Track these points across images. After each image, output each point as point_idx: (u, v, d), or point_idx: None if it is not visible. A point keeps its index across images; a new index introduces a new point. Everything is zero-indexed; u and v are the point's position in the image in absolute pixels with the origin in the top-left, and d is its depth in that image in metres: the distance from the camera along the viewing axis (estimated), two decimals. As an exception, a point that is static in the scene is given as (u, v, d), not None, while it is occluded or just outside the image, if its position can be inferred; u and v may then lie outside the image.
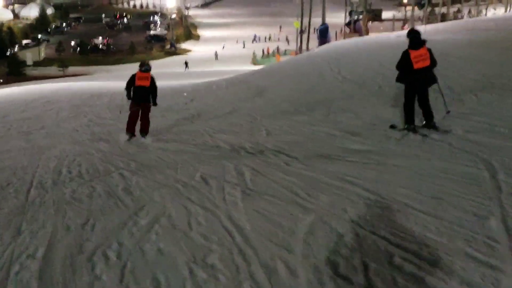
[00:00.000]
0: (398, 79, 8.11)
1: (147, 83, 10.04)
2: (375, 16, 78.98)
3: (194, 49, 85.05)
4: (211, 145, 8.94)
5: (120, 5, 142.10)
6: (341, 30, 61.65)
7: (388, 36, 22.23)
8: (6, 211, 5.79)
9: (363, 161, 6.56)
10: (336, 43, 26.15)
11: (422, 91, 7.88)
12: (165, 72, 41.10)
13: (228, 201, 5.33)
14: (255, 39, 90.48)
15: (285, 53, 70.08)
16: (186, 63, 59.03)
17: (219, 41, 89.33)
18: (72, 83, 30.04)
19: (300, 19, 54.91)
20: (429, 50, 7.74)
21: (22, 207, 5.80)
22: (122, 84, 11.11)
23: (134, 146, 9.65)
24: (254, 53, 71.60)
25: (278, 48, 73.52)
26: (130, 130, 10.26)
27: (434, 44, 9.30)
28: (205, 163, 7.28)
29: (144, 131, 10.24)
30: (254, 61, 65.90)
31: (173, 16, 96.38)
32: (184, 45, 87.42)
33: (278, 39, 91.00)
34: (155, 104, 10.35)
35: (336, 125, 9.47)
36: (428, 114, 7.90)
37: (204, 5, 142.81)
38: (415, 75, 7.73)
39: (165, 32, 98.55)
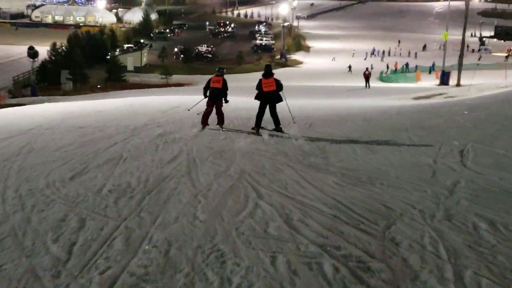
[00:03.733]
0: (255, 97, 11.33)
1: (219, 85, 11.57)
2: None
3: (306, 61, 76.04)
4: None
5: (224, 14, 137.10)
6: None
7: None
8: None
9: None
10: None
11: (271, 106, 11.10)
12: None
13: None
14: (373, 53, 79.87)
15: (416, 69, 59.00)
16: (349, 67, 58.13)
17: (330, 54, 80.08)
18: (188, 96, 21.43)
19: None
20: (276, 80, 11.10)
21: None
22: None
23: None
24: (372, 67, 61.12)
25: (407, 64, 62.51)
26: (204, 123, 11.64)
27: None
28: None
29: (221, 123, 11.63)
30: (383, 78, 55.29)
31: (286, 24, 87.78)
32: (295, 57, 78.58)
33: (400, 54, 79.97)
34: (226, 101, 11.72)
35: None
36: (276, 122, 11.10)
37: (310, 16, 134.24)
38: (265, 95, 11.08)
39: (272, 42, 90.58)
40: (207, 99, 11.81)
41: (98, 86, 51.36)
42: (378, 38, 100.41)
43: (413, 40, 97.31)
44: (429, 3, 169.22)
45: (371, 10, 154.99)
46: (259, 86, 11.11)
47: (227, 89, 11.72)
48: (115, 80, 53.26)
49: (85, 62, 56.15)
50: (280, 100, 11.13)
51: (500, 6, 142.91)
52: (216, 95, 11.59)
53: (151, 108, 15.70)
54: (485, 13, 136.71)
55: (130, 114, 14.15)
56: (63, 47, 58.96)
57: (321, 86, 40.05)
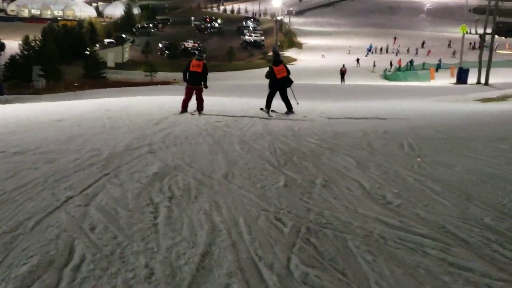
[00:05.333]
0: (269, 86, 11.91)
1: (199, 70, 11.55)
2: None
3: (300, 58, 71.54)
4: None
5: (209, 10, 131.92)
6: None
7: None
8: None
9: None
10: None
11: (282, 91, 11.82)
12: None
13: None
14: (370, 50, 75.54)
15: (423, 67, 54.86)
16: (358, 60, 59.02)
17: (324, 51, 75.88)
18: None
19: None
20: (285, 65, 11.97)
21: None
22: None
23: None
24: (374, 65, 57.15)
25: (412, 61, 58.21)
26: (183, 108, 11.71)
27: None
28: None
29: (200, 109, 11.65)
30: (387, 76, 50.90)
31: (279, 18, 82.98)
32: (288, 53, 73.99)
33: (399, 51, 75.82)
34: (205, 86, 11.83)
35: None
36: (287, 106, 11.88)
37: (298, 13, 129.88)
38: (278, 82, 11.73)
39: (262, 38, 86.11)
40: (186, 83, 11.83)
41: (75, 84, 45.95)
42: (372, 35, 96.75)
43: (409, 37, 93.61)
44: (419, 0, 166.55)
45: (361, 7, 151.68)
46: (271, 74, 11.68)
47: (207, 73, 11.79)
48: (94, 77, 47.89)
49: (60, 57, 50.69)
50: (291, 82, 11.83)
51: (492, 3, 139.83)
52: (196, 79, 11.61)
53: (137, 116, 10.72)
54: (478, 10, 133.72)
55: (105, 126, 9.16)
56: (37, 41, 53.45)
57: (334, 84, 35.38)
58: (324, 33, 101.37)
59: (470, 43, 74.89)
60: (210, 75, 12.71)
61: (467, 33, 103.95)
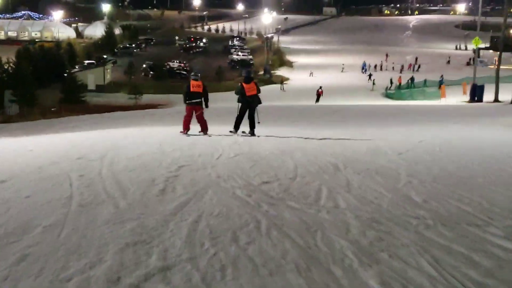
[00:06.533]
0: (238, 100, 11.91)
1: (200, 90, 11.77)
2: None
3: (292, 77, 68.11)
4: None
5: (193, 29, 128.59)
6: None
7: None
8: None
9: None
10: None
11: (251, 110, 11.84)
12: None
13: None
14: (364, 67, 72.34)
15: (425, 84, 51.68)
16: (370, 76, 57.92)
17: (316, 69, 72.78)
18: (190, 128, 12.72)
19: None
20: (256, 83, 12.03)
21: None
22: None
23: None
24: (373, 82, 53.87)
25: (413, 78, 55.04)
26: (186, 128, 11.82)
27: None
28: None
29: (204, 130, 11.82)
30: (390, 94, 47.46)
31: (270, 35, 79.61)
32: (279, 72, 70.54)
33: (393, 68, 72.93)
34: (207, 106, 12.00)
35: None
36: (251, 124, 11.92)
37: (284, 31, 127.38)
38: (248, 99, 11.72)
39: (250, 57, 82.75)
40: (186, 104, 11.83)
41: (52, 109, 41.52)
42: (362, 52, 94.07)
43: (400, 53, 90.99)
44: (403, 18, 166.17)
45: (346, 25, 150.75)
46: (240, 91, 11.80)
47: (207, 93, 12.01)
48: (73, 101, 43.57)
49: (36, 80, 46.31)
50: (260, 102, 12.02)
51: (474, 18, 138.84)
52: (197, 100, 11.74)
53: (126, 171, 6.63)
54: (464, 26, 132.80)
55: (71, 200, 5.06)
56: (10, 64, 49.05)
57: (362, 105, 31.82)
58: (313, 51, 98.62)
59: (470, 59, 72.38)
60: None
61: (458, 48, 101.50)
